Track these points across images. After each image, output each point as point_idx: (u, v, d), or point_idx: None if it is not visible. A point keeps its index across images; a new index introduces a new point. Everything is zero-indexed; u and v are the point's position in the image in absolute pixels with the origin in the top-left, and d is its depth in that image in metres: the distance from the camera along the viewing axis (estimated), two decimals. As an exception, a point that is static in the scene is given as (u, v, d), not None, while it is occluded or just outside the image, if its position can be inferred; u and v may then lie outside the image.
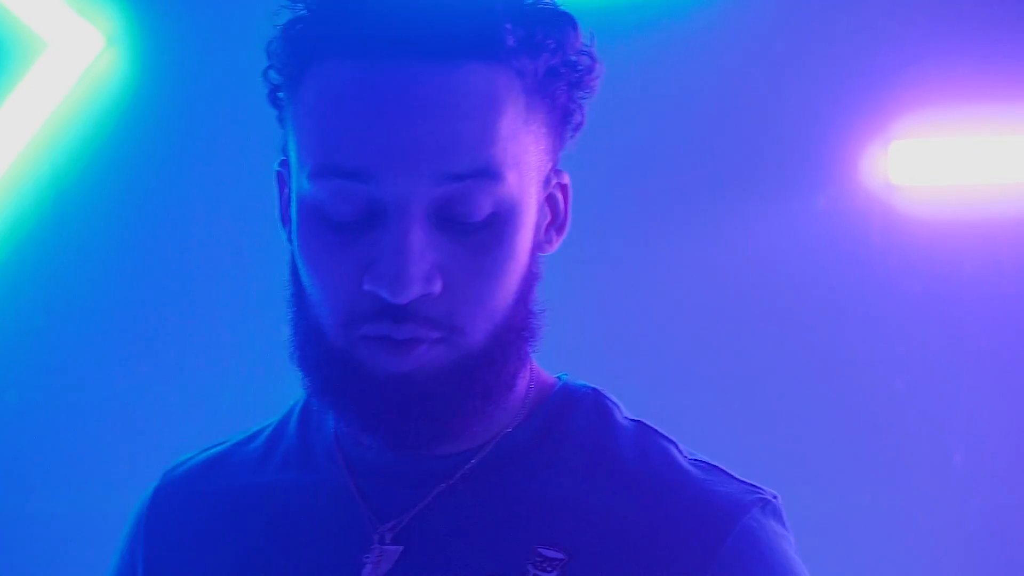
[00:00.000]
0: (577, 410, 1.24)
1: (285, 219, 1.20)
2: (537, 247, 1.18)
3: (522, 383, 1.22)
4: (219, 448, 1.33)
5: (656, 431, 1.24)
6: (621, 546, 1.15)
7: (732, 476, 1.21)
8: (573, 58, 1.17)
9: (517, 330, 1.17)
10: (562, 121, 1.19)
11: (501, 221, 1.13)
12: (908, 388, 2.50)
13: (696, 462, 1.22)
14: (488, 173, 1.11)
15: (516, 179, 1.13)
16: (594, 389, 1.26)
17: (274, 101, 1.19)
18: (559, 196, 1.21)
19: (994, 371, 2.49)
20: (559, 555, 1.15)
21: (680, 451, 1.22)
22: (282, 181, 1.21)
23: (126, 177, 2.68)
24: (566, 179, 1.22)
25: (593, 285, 2.50)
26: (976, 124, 2.48)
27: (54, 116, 2.67)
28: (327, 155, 1.12)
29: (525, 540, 1.16)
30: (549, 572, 1.15)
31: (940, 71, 2.49)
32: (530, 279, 1.17)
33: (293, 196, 1.17)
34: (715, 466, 1.22)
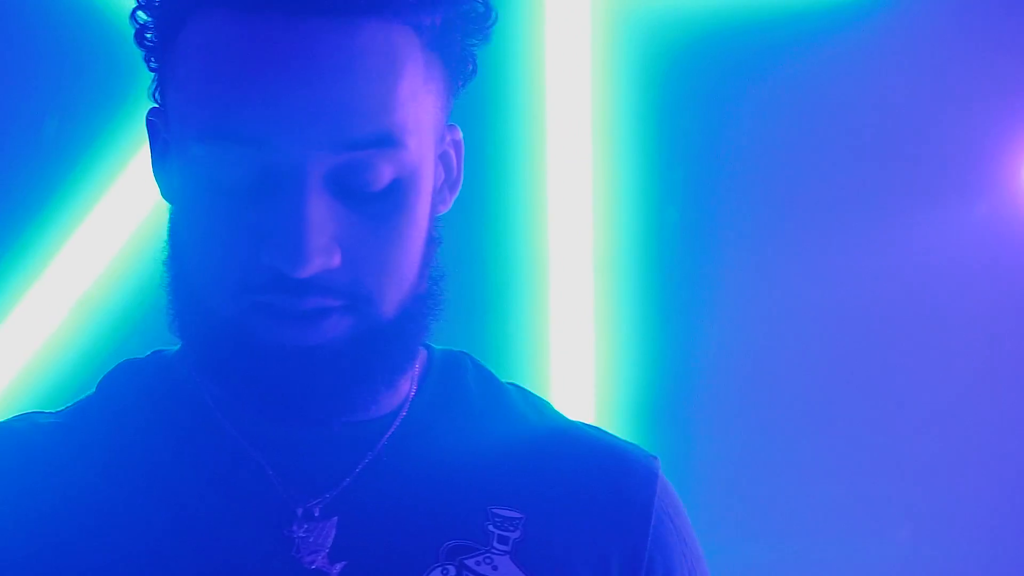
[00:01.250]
0: (466, 374, 1.20)
1: (160, 172, 1.12)
2: (434, 210, 1.13)
3: None
4: (50, 419, 1.17)
5: (530, 391, 1.24)
6: (565, 501, 1.13)
7: (610, 433, 1.23)
8: (466, 7, 1.10)
9: (423, 299, 1.11)
10: (456, 73, 1.12)
11: (402, 189, 1.06)
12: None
13: (574, 420, 1.22)
14: (389, 141, 1.04)
15: (416, 144, 1.06)
16: (465, 353, 1.23)
17: (142, 41, 1.10)
18: (452, 153, 1.15)
19: None
20: (517, 514, 1.11)
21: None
22: (155, 130, 1.12)
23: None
24: (458, 134, 1.15)
25: (754, 289, 2.48)
26: None
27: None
28: (215, 119, 1.03)
29: (475, 503, 1.11)
30: (512, 531, 1.10)
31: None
32: (431, 244, 1.11)
33: (174, 154, 1.08)
34: (588, 424, 1.24)
